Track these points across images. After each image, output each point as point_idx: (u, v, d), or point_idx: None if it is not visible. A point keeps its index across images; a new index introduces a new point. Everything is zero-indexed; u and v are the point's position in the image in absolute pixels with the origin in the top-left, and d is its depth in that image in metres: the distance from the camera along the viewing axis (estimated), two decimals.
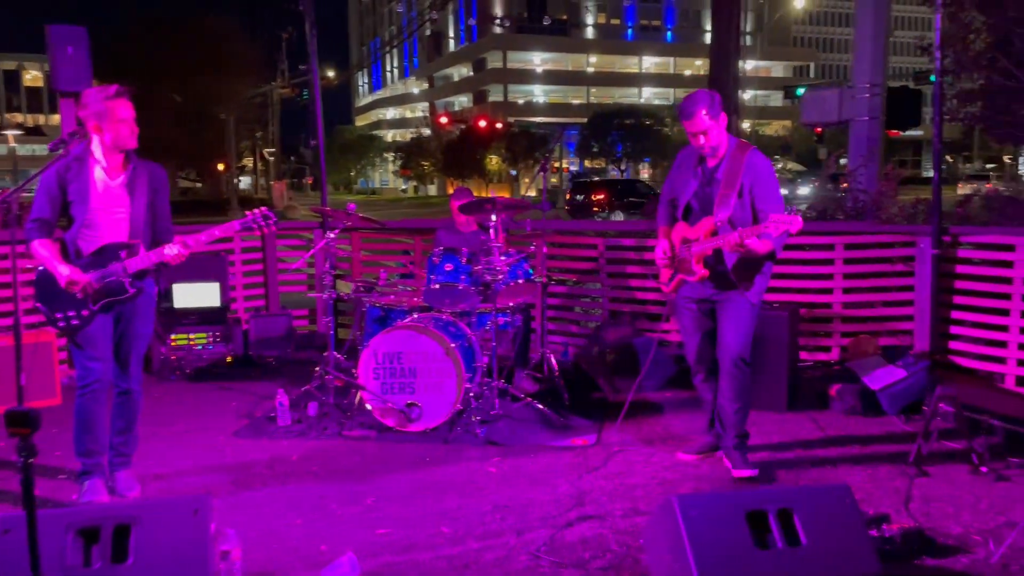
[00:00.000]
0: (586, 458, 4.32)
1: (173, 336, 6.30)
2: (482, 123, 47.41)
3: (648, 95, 66.36)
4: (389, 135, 78.31)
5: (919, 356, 5.42)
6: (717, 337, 4.06)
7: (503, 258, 4.91)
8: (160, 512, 2.72)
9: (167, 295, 6.50)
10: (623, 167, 54.19)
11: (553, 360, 5.34)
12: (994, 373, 5.53)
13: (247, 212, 3.77)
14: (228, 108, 40.60)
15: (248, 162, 55.83)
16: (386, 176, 76.56)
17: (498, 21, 62.33)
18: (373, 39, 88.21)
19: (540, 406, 4.91)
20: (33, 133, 65.63)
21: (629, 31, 69.08)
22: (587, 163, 57.76)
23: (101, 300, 3.65)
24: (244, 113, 44.49)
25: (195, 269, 6.69)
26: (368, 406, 4.75)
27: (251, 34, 44.05)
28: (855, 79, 8.50)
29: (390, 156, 68.73)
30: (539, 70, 65.50)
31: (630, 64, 67.58)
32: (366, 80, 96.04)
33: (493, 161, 52.55)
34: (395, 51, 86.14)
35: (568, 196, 32.93)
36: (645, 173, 57.67)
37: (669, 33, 69.30)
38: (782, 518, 2.76)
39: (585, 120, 53.19)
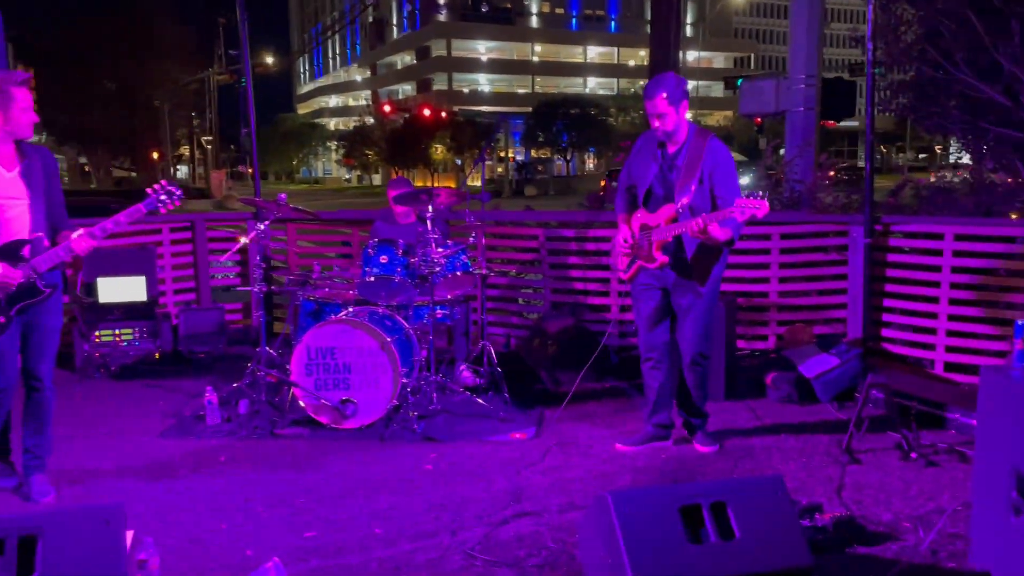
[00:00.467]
0: (524, 452, 4.27)
1: (98, 332, 6.05)
2: (426, 112, 46.99)
3: (593, 85, 66.59)
4: (332, 123, 77.11)
5: (852, 344, 5.50)
6: (677, 332, 4.15)
7: (440, 250, 4.81)
8: (68, 522, 2.56)
9: (91, 289, 6.24)
10: (568, 157, 54.38)
11: (493, 352, 5.27)
12: (924, 360, 5.66)
13: (148, 189, 3.58)
14: (163, 95, 39.48)
15: (186, 151, 54.45)
16: (329, 165, 75.51)
17: (441, 8, 61.83)
18: (315, 25, 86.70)
19: (479, 400, 4.84)
20: None
21: (573, 20, 69.16)
22: (533, 152, 57.80)
23: (16, 305, 3.45)
24: (181, 100, 43.33)
25: (121, 262, 6.46)
26: (301, 403, 4.62)
27: (186, 18, 42.76)
28: (791, 70, 8.60)
29: (333, 145, 67.73)
30: (484, 59, 65.19)
31: (575, 54, 67.70)
32: (308, 67, 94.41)
33: (438, 150, 52.16)
34: (337, 38, 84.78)
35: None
36: (590, 163, 58.00)
37: (613, 23, 69.62)
38: (715, 511, 2.74)
39: (530, 109, 53.14)
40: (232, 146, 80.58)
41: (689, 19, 67.08)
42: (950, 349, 5.54)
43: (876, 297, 5.82)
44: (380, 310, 4.90)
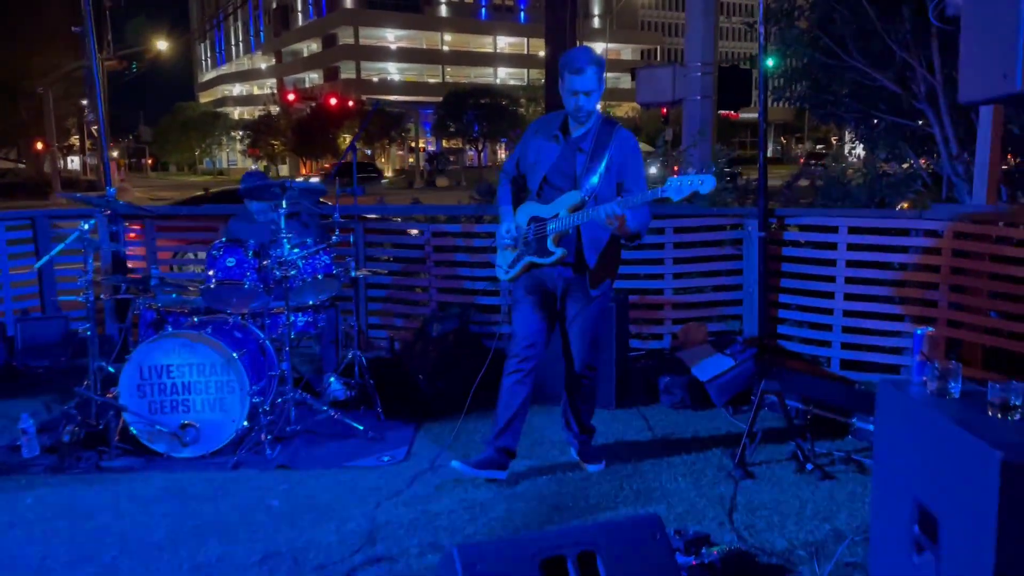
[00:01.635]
0: (389, 480, 3.79)
1: None
2: (332, 101, 45.66)
3: (503, 75, 66.27)
4: (236, 112, 74.43)
5: (747, 343, 5.24)
6: (564, 342, 3.75)
7: (296, 251, 4.28)
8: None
9: None
10: (480, 147, 53.96)
11: (364, 361, 4.78)
12: (820, 357, 5.45)
13: None
14: (46, 82, 37.09)
15: (76, 141, 51.55)
16: (234, 156, 72.93)
17: None
18: (216, 12, 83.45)
19: (346, 420, 4.33)
20: None
21: (483, 10, 68.62)
22: (444, 143, 57.11)
23: None
24: (68, 88, 40.85)
25: None
26: (133, 430, 4.02)
27: (71, 2, 40.25)
28: (687, 58, 8.36)
29: (237, 135, 65.35)
30: (393, 47, 63.99)
31: (485, 44, 67.23)
32: (210, 54, 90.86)
33: (346, 140, 50.89)
34: (240, 24, 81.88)
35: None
36: (502, 153, 57.67)
37: (522, 14, 69.39)
38: (583, 564, 2.33)
39: (441, 99, 52.40)
40: (131, 136, 76.92)
41: (596, 11, 67.56)
42: (846, 346, 5.35)
43: (772, 293, 5.58)
44: (230, 320, 4.33)
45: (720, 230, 5.78)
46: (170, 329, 4.06)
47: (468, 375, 4.28)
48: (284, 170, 62.32)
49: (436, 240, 6.07)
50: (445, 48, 65.20)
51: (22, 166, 46.53)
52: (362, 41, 61.93)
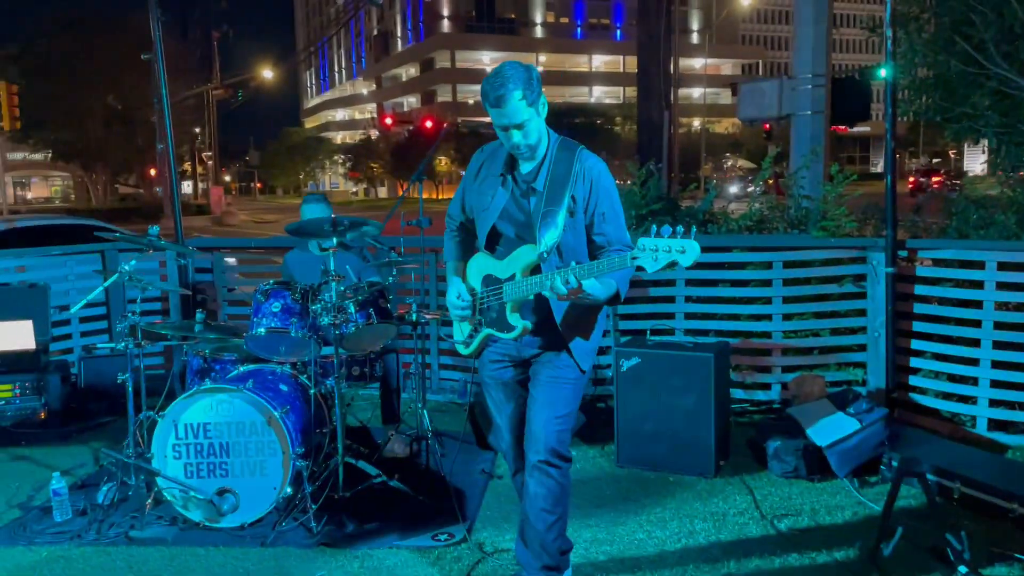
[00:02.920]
0: (443, 567, 3.24)
1: None
2: (428, 123, 46.17)
3: (598, 94, 65.81)
4: (338, 137, 76.65)
5: (874, 400, 4.46)
6: (527, 413, 2.82)
7: (347, 291, 3.81)
8: None
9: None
10: None
11: (427, 417, 4.27)
12: (963, 416, 4.61)
13: None
14: (159, 111, 38.89)
15: (189, 167, 54.00)
16: (336, 179, 75.07)
17: (445, 20, 61.28)
18: (320, 39, 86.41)
19: (402, 487, 3.81)
20: None
21: (579, 30, 68.46)
22: None
23: None
24: (180, 116, 42.83)
25: (5, 303, 5.49)
26: (167, 496, 3.61)
27: (182, 33, 42.27)
28: (795, 69, 7.58)
29: (339, 158, 67.23)
30: (488, 69, 64.06)
31: (580, 63, 66.98)
32: (314, 81, 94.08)
33: (442, 162, 51.37)
34: (343, 51, 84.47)
35: None
36: None
37: (618, 31, 68.82)
38: None
39: None
40: (242, 160, 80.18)
41: (695, 26, 66.31)
42: (995, 403, 4.50)
43: (902, 338, 4.78)
44: (277, 370, 3.90)
45: (839, 264, 5.02)
46: (208, 383, 3.64)
47: None
48: (383, 192, 63.62)
49: None
50: (540, 68, 64.86)
51: (140, 191, 49.04)
52: (458, 64, 62.70)
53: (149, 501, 3.67)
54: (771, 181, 6.10)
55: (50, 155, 47.52)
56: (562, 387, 2.77)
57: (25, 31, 41.46)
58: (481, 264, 2.81)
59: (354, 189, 71.22)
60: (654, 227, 2.34)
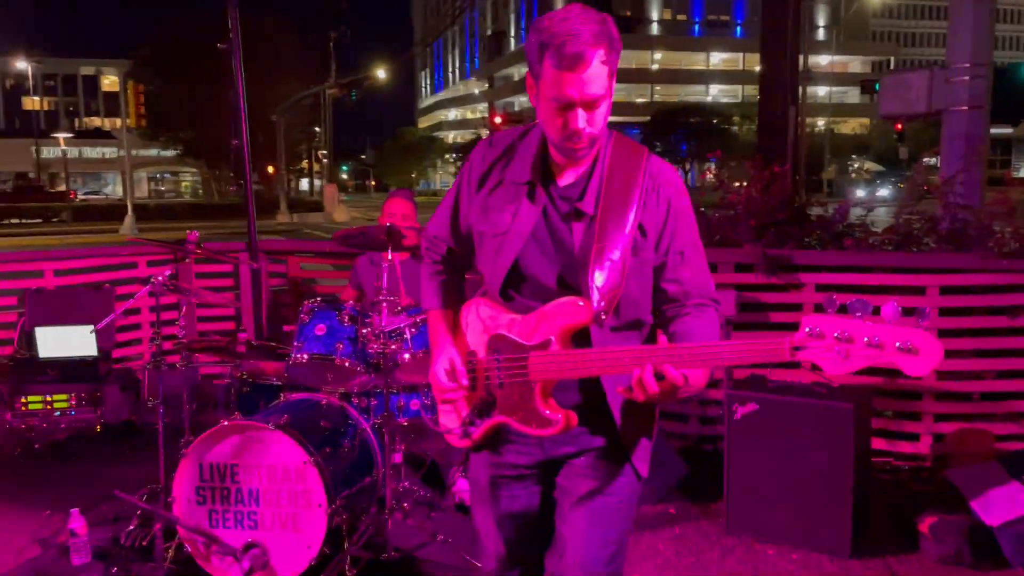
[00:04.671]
0: None
1: (26, 398, 4.79)
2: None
3: (715, 92, 63.83)
4: (450, 136, 77.51)
5: None
6: (559, 542, 1.89)
7: (402, 314, 3.22)
8: None
9: (30, 342, 5.01)
10: (687, 167, 51.92)
11: None
12: None
13: None
14: (280, 110, 40.00)
15: (306, 164, 55.66)
16: (446, 177, 75.97)
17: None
18: (436, 39, 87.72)
19: (458, 549, 3.19)
20: (102, 136, 67.18)
21: (696, 27, 66.60)
22: None
23: None
24: (296, 116, 44.03)
25: (69, 306, 5.22)
26: (187, 547, 3.11)
27: (301, 35, 43.51)
28: (950, 57, 6.50)
29: (450, 157, 67.90)
30: None
31: (697, 61, 65.16)
32: (429, 82, 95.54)
33: None
34: (457, 52, 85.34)
35: None
36: (710, 174, 55.19)
37: (739, 28, 66.50)
38: None
39: (648, 119, 51.10)
40: (361, 157, 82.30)
41: (822, 22, 63.27)
42: None
43: None
44: (323, 402, 3.35)
45: (1010, 291, 4.07)
46: (238, 417, 3.12)
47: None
48: None
49: None
50: (655, 67, 63.82)
51: (259, 188, 50.87)
52: None
53: (171, 551, 3.19)
54: (925, 187, 5.14)
55: (179, 152, 49.82)
56: (615, 511, 1.86)
57: (159, 35, 43.59)
58: (488, 318, 1.86)
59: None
60: (833, 302, 1.48)
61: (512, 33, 71.07)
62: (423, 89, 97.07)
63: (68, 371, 4.93)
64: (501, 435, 1.88)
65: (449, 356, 1.88)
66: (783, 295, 4.46)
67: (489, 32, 73.91)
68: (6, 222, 33.51)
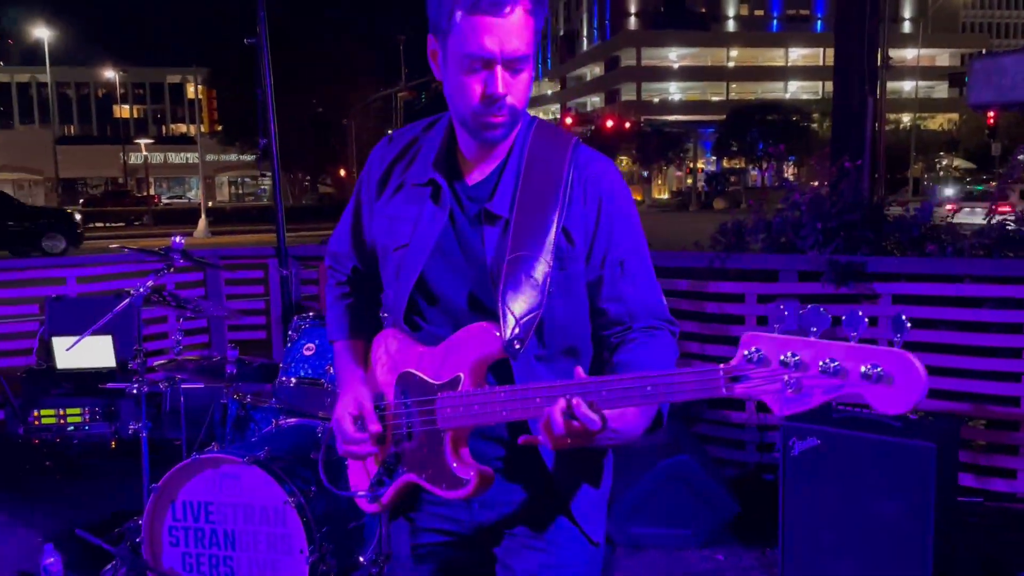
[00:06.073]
0: None
1: (39, 412, 4.60)
2: (609, 123, 45.06)
3: (795, 89, 61.88)
4: None
5: None
6: None
7: None
8: None
9: (48, 351, 4.82)
10: (764, 166, 50.42)
11: None
12: None
13: None
14: (352, 114, 40.57)
15: None
16: None
17: (632, 17, 60.04)
18: None
19: None
20: (184, 142, 69.52)
21: (775, 22, 64.74)
22: (725, 163, 54.28)
23: None
24: (367, 120, 44.62)
25: (88, 314, 5.00)
26: None
27: (371, 40, 44.16)
28: None
29: None
30: (675, 66, 62.42)
31: (775, 57, 63.32)
32: None
33: (623, 162, 50.10)
34: None
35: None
36: (789, 172, 53.48)
37: (819, 22, 64.31)
38: None
39: (723, 117, 49.83)
40: None
41: (908, 14, 60.66)
42: None
43: None
44: (317, 430, 2.98)
45: None
46: (214, 449, 2.77)
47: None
48: None
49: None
50: (731, 64, 62.34)
51: (331, 191, 51.73)
52: (644, 62, 61.12)
53: None
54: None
55: (256, 157, 51.14)
56: None
57: (238, 44, 44.69)
58: (396, 351, 1.49)
59: None
60: (786, 309, 1.15)
61: (584, 33, 70.48)
62: None
63: (82, 383, 4.72)
64: (419, 497, 1.51)
65: (356, 398, 1.50)
66: (855, 308, 3.89)
67: (561, 33, 73.45)
68: (91, 226, 34.83)
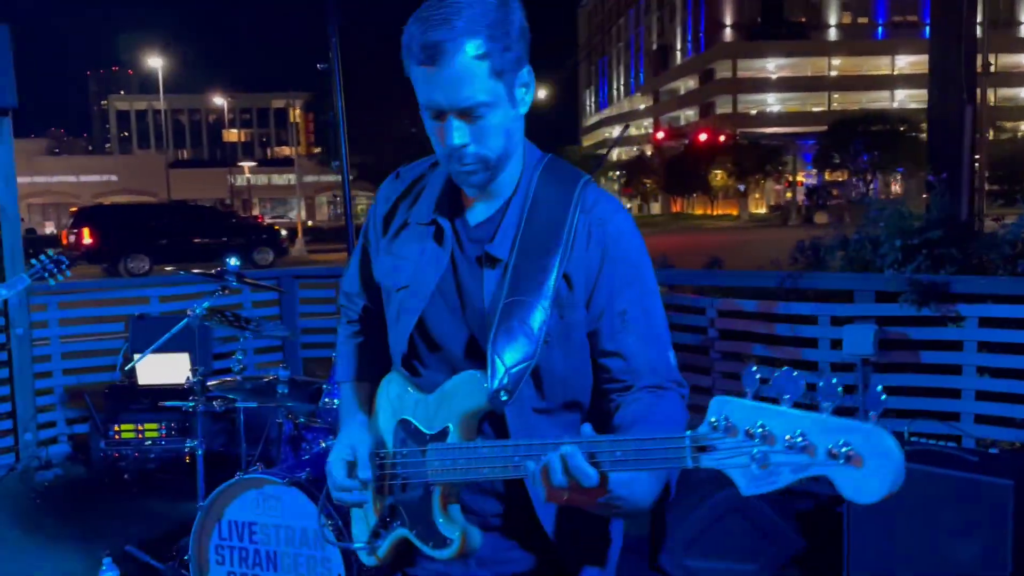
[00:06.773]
0: None
1: (119, 426, 4.79)
2: (702, 136, 44.29)
3: (902, 98, 59.30)
4: (614, 153, 76.91)
5: None
6: None
7: None
8: None
9: (131, 369, 5.03)
10: (869, 178, 48.45)
11: None
12: None
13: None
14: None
15: None
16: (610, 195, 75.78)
17: (728, 28, 58.99)
18: (601, 57, 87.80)
19: None
20: (284, 164, 72.39)
21: (880, 29, 62.34)
22: (827, 175, 52.45)
23: None
24: None
25: (166, 333, 5.22)
26: None
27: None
28: None
29: (614, 175, 67.40)
30: (773, 77, 60.88)
31: (880, 65, 60.90)
32: (593, 100, 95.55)
33: (718, 176, 49.13)
34: (622, 68, 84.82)
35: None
36: (896, 186, 51.26)
37: (927, 28, 61.55)
38: None
39: (824, 128, 48.20)
40: None
41: (1023, 17, 57.36)
42: None
43: None
44: None
45: None
46: (258, 469, 2.81)
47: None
48: (656, 207, 62.62)
49: (722, 322, 4.17)
50: (832, 73, 60.32)
51: None
52: (740, 74, 59.90)
53: None
54: None
55: (354, 177, 52.73)
56: None
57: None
58: (396, 397, 1.43)
59: (628, 205, 71.12)
60: (753, 376, 0.98)
61: (678, 47, 69.67)
62: (587, 108, 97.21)
63: (160, 399, 4.90)
64: (416, 552, 1.40)
65: (351, 444, 1.44)
66: (938, 331, 3.64)
67: (655, 46, 72.85)
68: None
